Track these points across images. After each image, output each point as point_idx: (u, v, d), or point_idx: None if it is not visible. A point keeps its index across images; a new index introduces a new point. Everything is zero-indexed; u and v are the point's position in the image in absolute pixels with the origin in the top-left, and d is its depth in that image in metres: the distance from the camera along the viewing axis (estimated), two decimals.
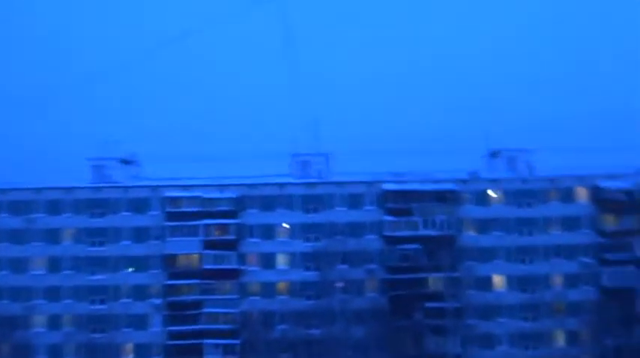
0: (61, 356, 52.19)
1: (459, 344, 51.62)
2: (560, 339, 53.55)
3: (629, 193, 53.17)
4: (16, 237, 53.73)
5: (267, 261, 53.34)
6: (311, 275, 52.51)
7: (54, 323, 52.66)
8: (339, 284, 51.63)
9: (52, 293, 52.86)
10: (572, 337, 53.25)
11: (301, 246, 53.11)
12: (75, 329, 52.01)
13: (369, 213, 53.16)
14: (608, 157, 55.85)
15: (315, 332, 50.45)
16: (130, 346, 52.46)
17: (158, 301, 52.50)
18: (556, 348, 53.08)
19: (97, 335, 51.30)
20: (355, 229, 52.73)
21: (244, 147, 58.12)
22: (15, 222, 53.82)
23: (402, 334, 50.31)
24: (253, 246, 53.30)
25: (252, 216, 53.36)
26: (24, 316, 52.03)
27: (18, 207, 54.25)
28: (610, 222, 53.96)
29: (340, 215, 53.20)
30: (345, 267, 51.87)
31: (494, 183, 54.35)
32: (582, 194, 54.31)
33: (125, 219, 53.72)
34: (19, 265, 53.35)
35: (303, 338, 49.54)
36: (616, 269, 52.86)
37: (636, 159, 55.81)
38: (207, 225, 52.88)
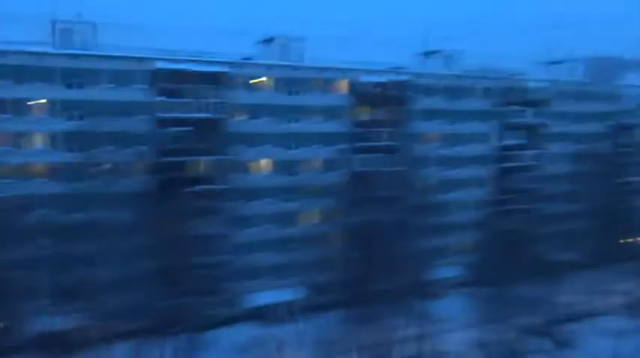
0: None
1: (222, 225, 57.35)
2: (315, 218, 63.05)
3: (381, 87, 62.42)
4: None
5: (22, 140, 51.00)
6: (73, 156, 51.40)
7: None
8: (105, 167, 51.56)
9: None
10: (325, 216, 63.13)
11: (62, 124, 51.45)
12: None
13: (138, 92, 53.02)
14: (372, 53, 63.99)
15: (78, 216, 50.79)
16: None
17: None
18: (310, 226, 62.53)
19: None
20: (123, 109, 52.33)
21: None
22: None
23: (168, 217, 53.19)
24: (4, 123, 50.29)
25: (3, 89, 49.73)
26: None
27: None
28: (364, 113, 63.20)
29: (107, 93, 52.20)
30: (111, 148, 51.76)
31: (267, 68, 58.39)
32: (344, 86, 61.88)
33: None
34: None
35: (65, 223, 48.91)
36: (365, 155, 62.98)
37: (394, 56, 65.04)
38: None
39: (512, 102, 71.28)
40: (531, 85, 72.16)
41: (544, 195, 76.28)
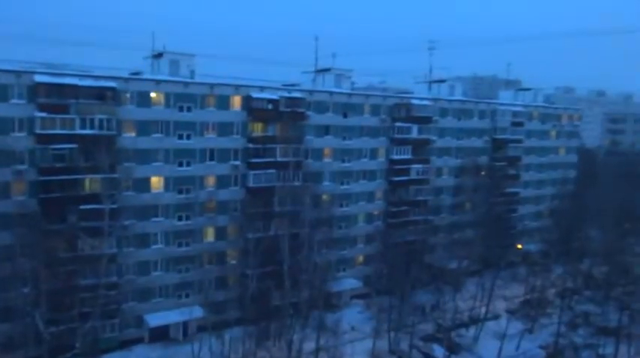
0: None
1: (114, 245, 55.17)
2: (211, 235, 62.24)
3: (274, 103, 63.36)
4: None
5: None
6: None
7: None
8: None
9: None
10: (221, 232, 62.52)
11: None
12: None
13: (17, 108, 50.08)
14: (264, 70, 64.83)
15: None
16: None
17: None
18: (206, 243, 61.63)
19: None
20: (1, 124, 49.78)
21: None
22: None
23: (55, 238, 50.54)
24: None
25: None
26: None
27: None
28: (258, 129, 63.73)
29: None
30: None
31: (156, 84, 57.40)
32: (237, 102, 62.15)
33: None
34: None
35: None
36: (259, 171, 63.34)
37: (286, 74, 66.15)
38: None
39: (399, 118, 74.72)
40: (416, 102, 76.01)
41: (433, 207, 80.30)
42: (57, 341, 49.65)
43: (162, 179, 58.59)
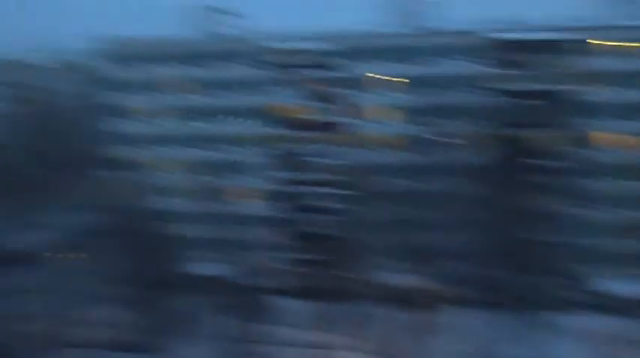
0: (175, 196, 61.01)
1: (567, 204, 53.53)
2: None
3: None
4: (124, 86, 60.76)
5: (369, 114, 56.61)
6: (415, 129, 55.03)
7: (167, 166, 61.15)
8: (445, 139, 53.46)
9: (164, 140, 60.47)
10: None
11: (405, 99, 55.51)
12: (186, 173, 59.85)
13: (477, 66, 53.40)
14: None
15: (420, 186, 53.42)
16: (237, 190, 59.81)
17: (261, 150, 58.49)
18: None
19: (206, 179, 58.86)
20: (463, 82, 53.40)
21: None
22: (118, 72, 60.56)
23: (509, 190, 51.96)
24: (354, 98, 56.50)
25: (353, 68, 55.86)
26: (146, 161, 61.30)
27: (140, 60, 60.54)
28: None
29: (447, 67, 54.16)
30: (451, 121, 53.14)
31: (622, 31, 52.14)
32: None
33: (229, 70, 58.37)
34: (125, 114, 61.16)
35: (407, 191, 52.55)
36: None
37: None
38: (308, 77, 56.52)
39: None
40: None
41: None
42: (509, 290, 51.31)
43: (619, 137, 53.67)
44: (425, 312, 45.30)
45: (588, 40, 52.19)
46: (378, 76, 56.16)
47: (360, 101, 56.60)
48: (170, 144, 60.79)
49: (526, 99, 52.78)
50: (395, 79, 55.94)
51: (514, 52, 52.76)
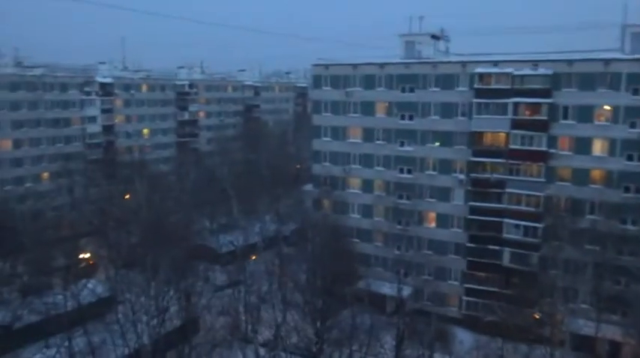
0: (371, 215, 62.81)
1: None
2: None
3: None
4: (336, 108, 64.42)
5: (581, 145, 52.22)
6: (632, 165, 50.09)
7: (366, 186, 63.27)
8: None
9: (366, 160, 62.84)
10: None
11: (624, 132, 50.48)
12: (383, 193, 61.52)
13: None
14: None
15: (630, 227, 48.98)
16: (432, 214, 59.64)
17: (462, 176, 57.52)
18: None
19: (402, 201, 59.85)
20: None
21: (564, 19, 56.46)
22: (335, 95, 64.15)
23: None
24: (566, 128, 52.66)
25: (568, 96, 52.29)
26: (342, 178, 64.22)
27: (338, 81, 64.09)
28: None
29: None
30: None
31: None
32: None
33: (434, 95, 58.69)
34: (338, 133, 64.57)
35: (614, 233, 48.26)
36: None
37: None
38: (516, 103, 54.16)
39: None
40: None
41: None
42: None
43: None
44: None
45: None
46: (596, 105, 51.78)
47: (574, 131, 52.76)
48: (371, 164, 62.75)
49: None
50: (614, 108, 51.06)
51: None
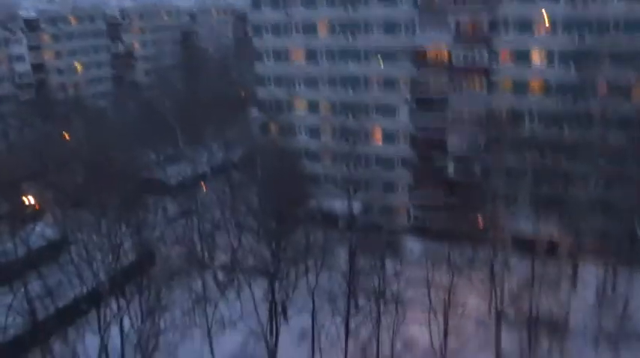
0: (318, 136, 63.65)
1: None
2: None
3: None
4: (277, 29, 63.30)
5: (521, 57, 53.32)
6: (570, 75, 51.21)
7: (312, 107, 63.62)
8: (602, 88, 49.70)
9: (311, 81, 62.81)
10: None
11: (562, 42, 51.56)
12: (330, 114, 62.14)
13: None
14: None
15: (567, 134, 50.64)
16: (378, 132, 60.76)
17: (406, 93, 58.31)
18: None
19: (348, 120, 60.60)
20: (630, 27, 48.37)
21: None
22: (275, 16, 62.88)
23: None
24: (507, 41, 53.55)
25: (508, 8, 52.78)
26: (288, 100, 64.29)
27: (277, 2, 62.61)
28: None
29: (613, 9, 49.02)
30: (611, 69, 48.93)
31: None
32: None
33: (376, 11, 58.08)
34: (280, 55, 63.81)
35: (552, 140, 49.84)
36: None
37: None
38: (457, 19, 54.61)
39: None
40: None
41: None
42: None
43: None
44: (557, 263, 43.41)
45: None
46: (535, 16, 52.35)
47: (514, 44, 53.65)
48: (316, 85, 62.76)
49: None
50: (552, 20, 51.86)
51: None
